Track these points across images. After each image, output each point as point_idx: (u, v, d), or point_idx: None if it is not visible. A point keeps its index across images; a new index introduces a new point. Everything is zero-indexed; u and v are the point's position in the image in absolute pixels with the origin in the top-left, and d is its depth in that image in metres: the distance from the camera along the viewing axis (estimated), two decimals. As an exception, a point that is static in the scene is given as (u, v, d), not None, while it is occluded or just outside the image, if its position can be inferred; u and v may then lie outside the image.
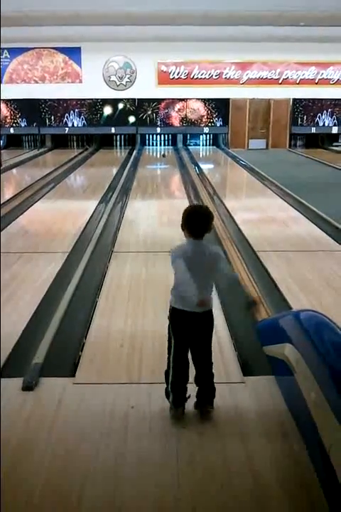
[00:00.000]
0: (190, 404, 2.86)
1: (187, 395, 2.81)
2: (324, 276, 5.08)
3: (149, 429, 2.73)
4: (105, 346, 3.65)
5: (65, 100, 17.74)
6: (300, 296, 4.55)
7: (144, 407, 2.89)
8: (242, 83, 17.95)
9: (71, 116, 17.94)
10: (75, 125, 18.02)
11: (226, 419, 2.81)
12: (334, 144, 18.81)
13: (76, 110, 17.91)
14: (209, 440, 2.65)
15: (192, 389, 2.82)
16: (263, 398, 2.97)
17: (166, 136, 18.61)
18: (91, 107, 17.88)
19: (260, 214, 8.25)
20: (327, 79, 18.15)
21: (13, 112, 17.84)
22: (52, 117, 17.92)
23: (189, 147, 18.11)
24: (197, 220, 2.65)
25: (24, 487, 2.34)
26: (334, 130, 18.64)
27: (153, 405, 2.90)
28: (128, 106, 17.83)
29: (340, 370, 2.38)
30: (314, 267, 5.37)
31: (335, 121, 18.46)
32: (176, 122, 18.13)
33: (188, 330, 2.71)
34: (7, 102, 17.50)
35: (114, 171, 13.12)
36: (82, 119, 17.98)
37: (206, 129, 18.29)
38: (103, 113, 17.93)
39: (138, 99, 17.73)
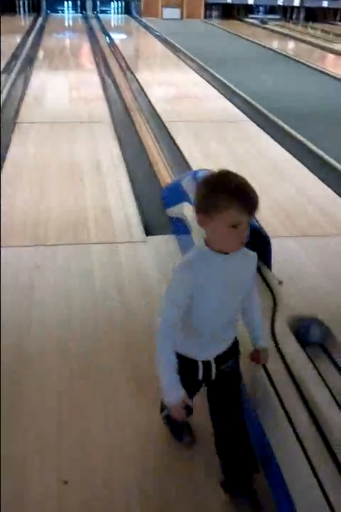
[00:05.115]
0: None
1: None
2: (229, 147, 5.24)
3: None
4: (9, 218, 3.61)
5: None
6: (204, 164, 4.69)
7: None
8: None
9: None
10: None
11: (130, 278, 2.98)
12: (250, 15, 18.41)
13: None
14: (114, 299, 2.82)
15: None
16: (164, 255, 3.17)
17: (74, 2, 17.16)
18: None
19: (173, 88, 8.12)
20: None
21: None
22: None
23: (99, 15, 16.91)
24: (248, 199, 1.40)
25: None
26: (250, 1, 18.14)
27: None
28: None
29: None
30: (221, 139, 5.51)
31: (251, -9, 17.93)
32: (85, -14, 16.69)
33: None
34: None
35: (18, 39, 12.05)
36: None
37: (117, -5, 17.07)
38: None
39: None
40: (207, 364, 1.62)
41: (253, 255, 1.56)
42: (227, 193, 1.38)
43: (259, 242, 2.42)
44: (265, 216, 3.54)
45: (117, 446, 1.91)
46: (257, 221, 2.51)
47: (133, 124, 6.00)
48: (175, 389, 1.52)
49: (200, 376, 1.63)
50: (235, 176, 1.42)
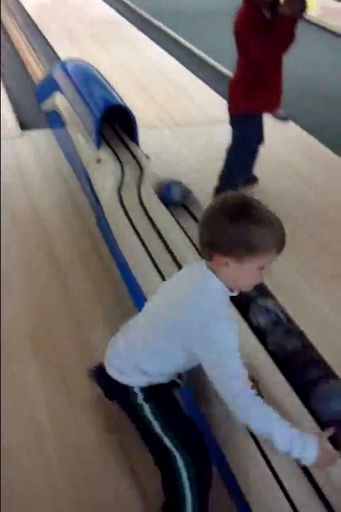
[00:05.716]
0: None
1: None
2: (108, 50, 5.20)
3: None
4: None
5: None
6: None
7: None
8: None
9: None
10: None
11: (9, 172, 2.97)
12: None
13: None
14: None
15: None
16: (41, 149, 3.20)
17: None
18: None
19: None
20: None
21: None
22: None
23: None
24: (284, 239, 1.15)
25: None
26: None
27: None
28: None
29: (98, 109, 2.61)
30: (100, 42, 5.44)
31: None
32: None
33: None
34: None
35: None
36: None
37: None
38: None
39: None
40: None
41: None
42: (271, 231, 1.08)
43: (127, 119, 2.58)
44: (144, 111, 3.71)
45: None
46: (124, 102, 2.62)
47: (4, 27, 5.69)
48: (307, 440, 1.13)
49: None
50: (261, 204, 1.12)
